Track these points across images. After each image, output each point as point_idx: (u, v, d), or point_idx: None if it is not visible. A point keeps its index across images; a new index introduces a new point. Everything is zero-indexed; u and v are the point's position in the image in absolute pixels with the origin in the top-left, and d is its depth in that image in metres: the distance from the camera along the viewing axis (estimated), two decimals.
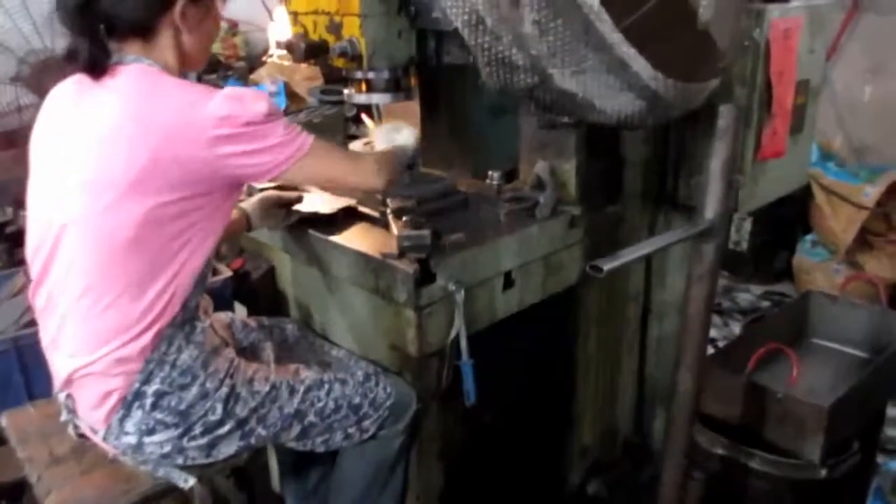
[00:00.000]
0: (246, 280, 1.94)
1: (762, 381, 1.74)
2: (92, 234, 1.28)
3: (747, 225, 3.88)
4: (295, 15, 1.78)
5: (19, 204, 3.89)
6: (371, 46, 1.66)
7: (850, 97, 3.84)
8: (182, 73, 1.41)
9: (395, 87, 1.78)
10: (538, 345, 1.94)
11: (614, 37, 1.24)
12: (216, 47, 5.40)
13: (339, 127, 3.19)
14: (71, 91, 1.36)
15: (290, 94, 4.46)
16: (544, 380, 2.01)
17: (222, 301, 1.83)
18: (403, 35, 1.71)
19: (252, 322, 1.73)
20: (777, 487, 1.72)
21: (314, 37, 1.74)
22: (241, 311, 1.99)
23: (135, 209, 1.25)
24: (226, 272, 1.91)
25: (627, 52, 1.25)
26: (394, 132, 1.76)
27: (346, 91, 1.86)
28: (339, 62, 1.71)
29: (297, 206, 1.75)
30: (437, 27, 1.66)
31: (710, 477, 1.78)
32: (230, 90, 1.30)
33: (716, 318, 3.45)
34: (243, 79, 5.06)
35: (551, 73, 1.33)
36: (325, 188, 1.65)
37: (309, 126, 3.41)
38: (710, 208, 1.41)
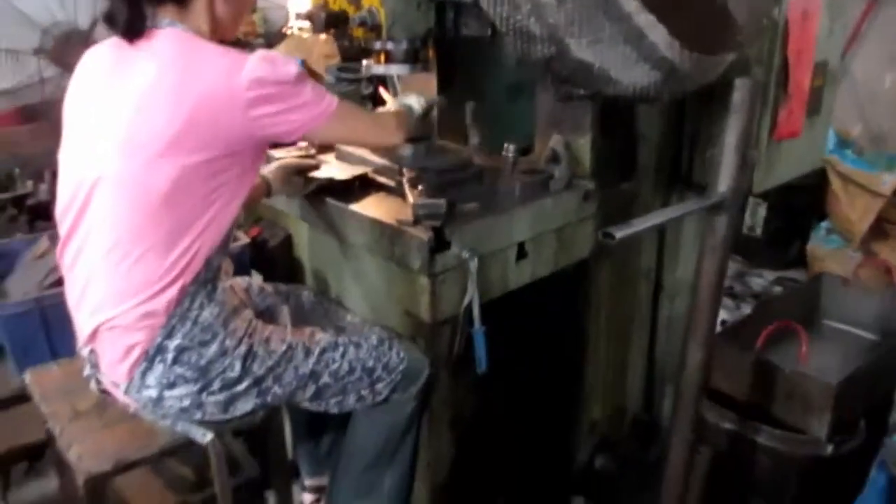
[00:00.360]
0: (263, 248, 1.98)
1: (770, 358, 1.76)
2: (125, 190, 1.32)
3: (762, 211, 3.88)
4: None
5: (39, 177, 3.95)
6: (390, 17, 1.68)
7: (869, 86, 3.82)
8: (215, 40, 1.43)
9: (414, 58, 1.80)
10: (549, 319, 1.96)
11: (631, 5, 1.25)
12: None
13: (357, 103, 3.22)
14: (107, 55, 1.41)
15: (309, 72, 4.48)
16: (554, 354, 2.03)
17: (240, 267, 1.87)
18: (422, 6, 1.72)
19: (269, 287, 1.76)
20: (783, 463, 1.74)
21: (334, 7, 1.76)
22: (257, 278, 2.03)
23: (169, 168, 1.29)
24: (244, 239, 1.95)
25: (644, 21, 1.26)
26: (403, 97, 1.82)
27: (364, 62, 1.88)
28: (358, 32, 1.73)
29: (313, 174, 1.78)
30: None
31: (717, 452, 1.80)
32: (263, 53, 1.34)
33: (728, 302, 3.46)
34: None
35: (568, 43, 1.34)
36: (350, 144, 1.81)
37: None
38: (724, 182, 1.42)
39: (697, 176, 2.04)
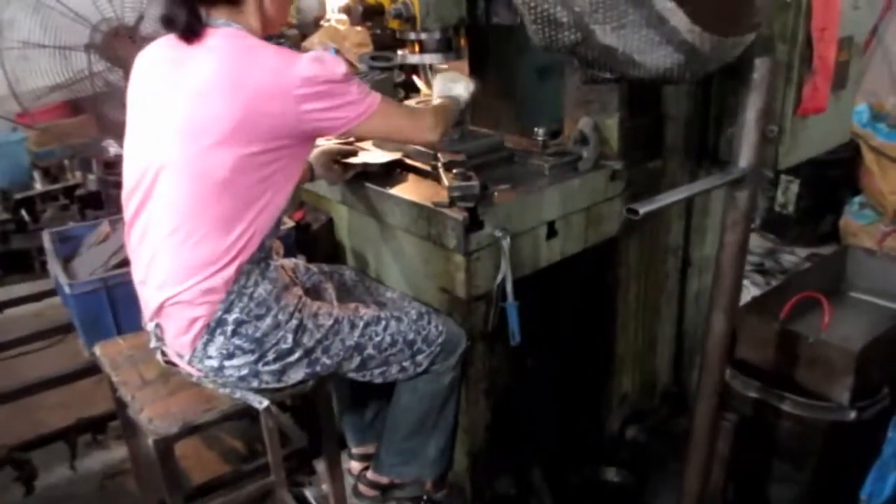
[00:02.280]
0: (307, 231, 2.09)
1: (794, 327, 1.82)
2: (186, 176, 1.43)
3: (794, 187, 3.88)
4: None
5: (88, 167, 4.11)
6: (425, 8, 1.77)
7: None
8: (263, 35, 1.55)
9: (447, 47, 1.89)
10: (580, 295, 2.04)
11: None
12: None
13: (389, 92, 3.30)
14: (166, 51, 1.52)
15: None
16: (585, 329, 2.11)
17: (286, 249, 1.99)
18: None
19: (314, 267, 1.87)
20: (807, 429, 1.79)
21: (371, 0, 1.85)
22: (302, 259, 2.14)
23: (226, 156, 1.40)
24: (289, 223, 2.06)
25: (666, 6, 1.33)
26: (450, 83, 1.87)
27: (399, 52, 1.97)
28: (394, 24, 1.82)
29: (352, 160, 1.88)
30: None
31: (743, 419, 1.87)
32: (314, 54, 1.45)
33: (758, 278, 3.49)
34: (295, 46, 5.19)
35: (593, 29, 1.41)
36: (388, 140, 1.87)
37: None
38: (744, 158, 1.49)
39: (724, 153, 2.08)
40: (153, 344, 1.59)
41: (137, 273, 1.57)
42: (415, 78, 2.41)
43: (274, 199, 1.49)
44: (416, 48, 1.90)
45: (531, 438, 2.07)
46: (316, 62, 1.43)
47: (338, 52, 4.75)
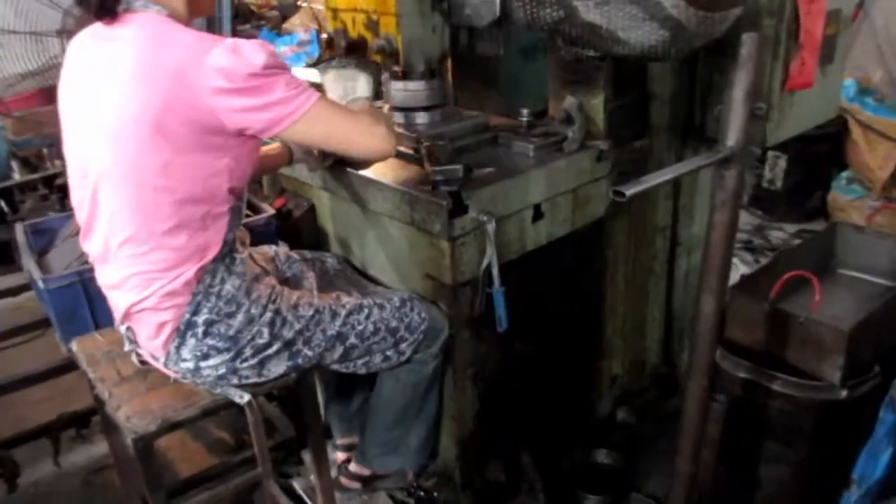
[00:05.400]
0: (288, 218, 2.04)
1: (784, 307, 1.79)
2: (124, 185, 1.34)
3: (782, 163, 3.86)
4: (335, 11, 1.87)
5: None
6: (407, 43, 1.73)
7: (890, 30, 3.75)
8: (192, 18, 1.42)
9: (430, 75, 1.84)
10: (568, 277, 2.02)
11: None
12: None
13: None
14: (86, 44, 1.39)
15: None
16: (574, 311, 2.09)
17: (268, 238, 1.94)
18: (437, 30, 1.77)
19: (295, 255, 1.83)
20: (798, 409, 1.78)
21: (353, 33, 1.83)
22: (284, 247, 2.10)
23: (158, 157, 1.29)
24: (269, 211, 2.01)
25: None
26: (348, 81, 1.75)
27: (383, 76, 1.92)
28: (377, 58, 1.78)
29: None
30: (469, 23, 1.72)
31: (733, 400, 1.85)
32: (231, 42, 1.28)
33: (747, 256, 3.48)
34: (276, 28, 5.10)
35: (576, 6, 1.37)
36: (332, 148, 1.57)
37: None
38: (732, 136, 1.44)
39: (711, 130, 2.06)
40: (127, 347, 1.54)
41: (101, 277, 1.51)
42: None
43: (222, 198, 1.40)
44: (401, 75, 1.84)
45: (520, 424, 2.05)
46: (230, 52, 1.26)
47: (318, 34, 4.66)
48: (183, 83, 1.26)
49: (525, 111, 1.90)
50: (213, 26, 3.13)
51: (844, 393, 1.73)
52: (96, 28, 1.36)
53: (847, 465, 1.60)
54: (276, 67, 1.30)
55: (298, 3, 4.78)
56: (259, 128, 1.33)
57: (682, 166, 1.43)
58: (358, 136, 1.45)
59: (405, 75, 1.82)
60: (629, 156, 1.98)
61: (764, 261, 3.40)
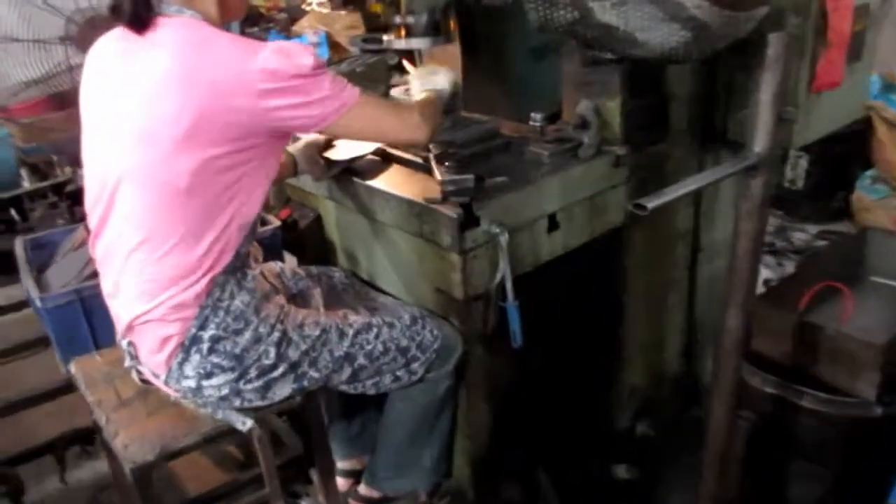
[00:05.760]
0: (294, 229, 1.98)
1: (814, 320, 1.71)
2: (146, 186, 1.31)
3: (803, 162, 3.76)
4: None
5: (77, 163, 4.01)
6: None
7: None
8: (224, 23, 1.42)
9: (435, 30, 1.77)
10: (585, 287, 1.94)
11: None
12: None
13: (383, 76, 3.17)
14: (115, 46, 1.37)
15: (332, 44, 4.45)
16: (592, 321, 2.01)
17: (273, 250, 1.88)
18: None
19: (300, 271, 1.77)
20: (830, 426, 1.69)
21: None
22: (290, 260, 2.04)
23: (187, 161, 1.28)
24: (275, 222, 1.95)
25: None
26: (431, 76, 1.75)
27: (384, 37, 1.84)
28: (376, 7, 1.71)
29: (336, 156, 1.76)
30: None
31: (760, 417, 1.77)
32: (277, 44, 1.31)
33: (769, 259, 3.38)
34: (285, 30, 5.05)
35: (591, 7, 1.29)
36: (370, 140, 1.70)
37: (352, 75, 3.39)
38: (759, 142, 1.36)
39: (733, 133, 1.97)
40: (127, 363, 1.48)
41: (105, 286, 1.46)
42: (405, 62, 2.28)
43: (245, 205, 1.36)
44: (403, 32, 1.77)
45: (536, 439, 1.98)
46: (279, 54, 1.28)
47: (329, 35, 4.62)
48: (225, 91, 1.26)
49: (538, 116, 1.82)
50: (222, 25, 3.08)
51: (879, 410, 1.64)
52: (124, 32, 1.34)
53: (882, 486, 1.52)
54: (322, 67, 1.34)
55: (304, 6, 4.72)
56: (308, 124, 1.37)
57: (705, 176, 1.35)
58: (395, 129, 1.52)
59: (407, 30, 1.74)
60: (647, 160, 1.89)
61: (787, 264, 3.32)
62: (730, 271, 1.48)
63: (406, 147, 1.80)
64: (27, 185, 4.38)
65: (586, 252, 1.82)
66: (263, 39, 4.57)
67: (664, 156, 1.96)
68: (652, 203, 1.20)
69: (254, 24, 5.10)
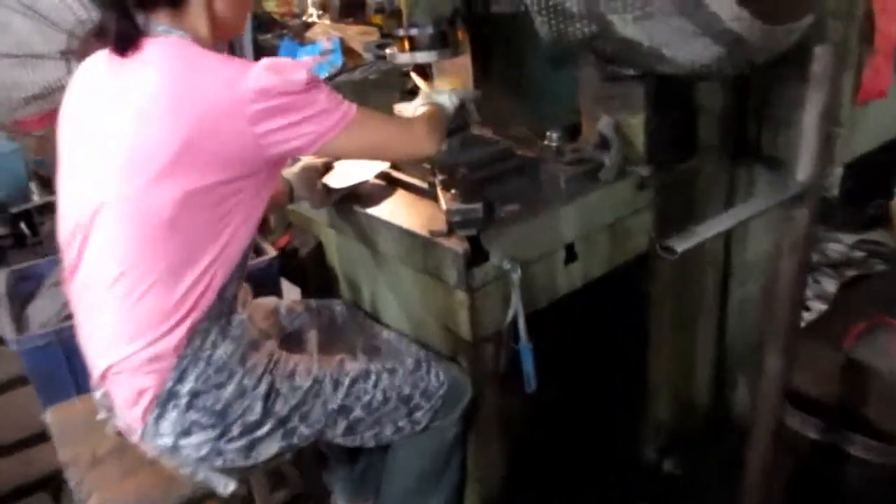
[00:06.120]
0: (294, 257, 1.85)
1: (863, 358, 1.55)
2: (127, 216, 1.20)
3: (837, 170, 3.57)
4: None
5: None
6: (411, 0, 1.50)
7: None
8: (216, 42, 1.31)
9: (442, 43, 1.63)
10: (607, 317, 1.79)
11: None
12: (270, 5, 5.30)
13: (397, 83, 3.04)
14: (102, 67, 1.28)
15: (346, 51, 4.33)
16: (614, 353, 1.87)
17: (270, 282, 1.75)
18: None
19: (298, 306, 1.64)
20: (880, 476, 1.54)
21: None
22: (288, 289, 1.91)
23: (172, 190, 1.17)
24: (271, 252, 1.82)
25: None
26: (435, 94, 1.63)
27: (387, 51, 1.71)
28: (376, 19, 1.57)
29: (330, 180, 1.63)
30: None
31: (801, 462, 1.61)
32: (268, 62, 1.20)
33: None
34: (298, 37, 4.94)
35: (611, 20, 1.14)
36: (372, 158, 1.59)
37: (366, 83, 3.26)
38: (804, 169, 1.21)
39: (767, 148, 1.81)
40: (101, 415, 1.36)
41: (80, 333, 1.34)
42: (413, 75, 2.15)
43: (232, 242, 1.24)
44: (406, 45, 1.63)
45: (553, 479, 1.84)
46: (271, 72, 1.18)
47: (342, 41, 4.50)
48: (215, 115, 1.17)
49: (554, 135, 1.67)
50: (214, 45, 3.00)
51: None
52: (112, 54, 1.24)
53: None
54: (316, 82, 1.25)
55: (306, 19, 4.61)
56: (305, 143, 1.25)
57: (742, 210, 1.20)
58: (400, 142, 1.42)
59: (412, 43, 1.61)
60: (674, 181, 1.73)
61: (824, 280, 3.13)
62: (769, 312, 1.32)
63: (412, 169, 1.67)
64: (37, 198, 4.33)
65: (608, 282, 1.67)
66: (275, 46, 4.47)
67: (693, 172, 1.80)
68: (682, 245, 1.05)
69: (267, 31, 5.00)
